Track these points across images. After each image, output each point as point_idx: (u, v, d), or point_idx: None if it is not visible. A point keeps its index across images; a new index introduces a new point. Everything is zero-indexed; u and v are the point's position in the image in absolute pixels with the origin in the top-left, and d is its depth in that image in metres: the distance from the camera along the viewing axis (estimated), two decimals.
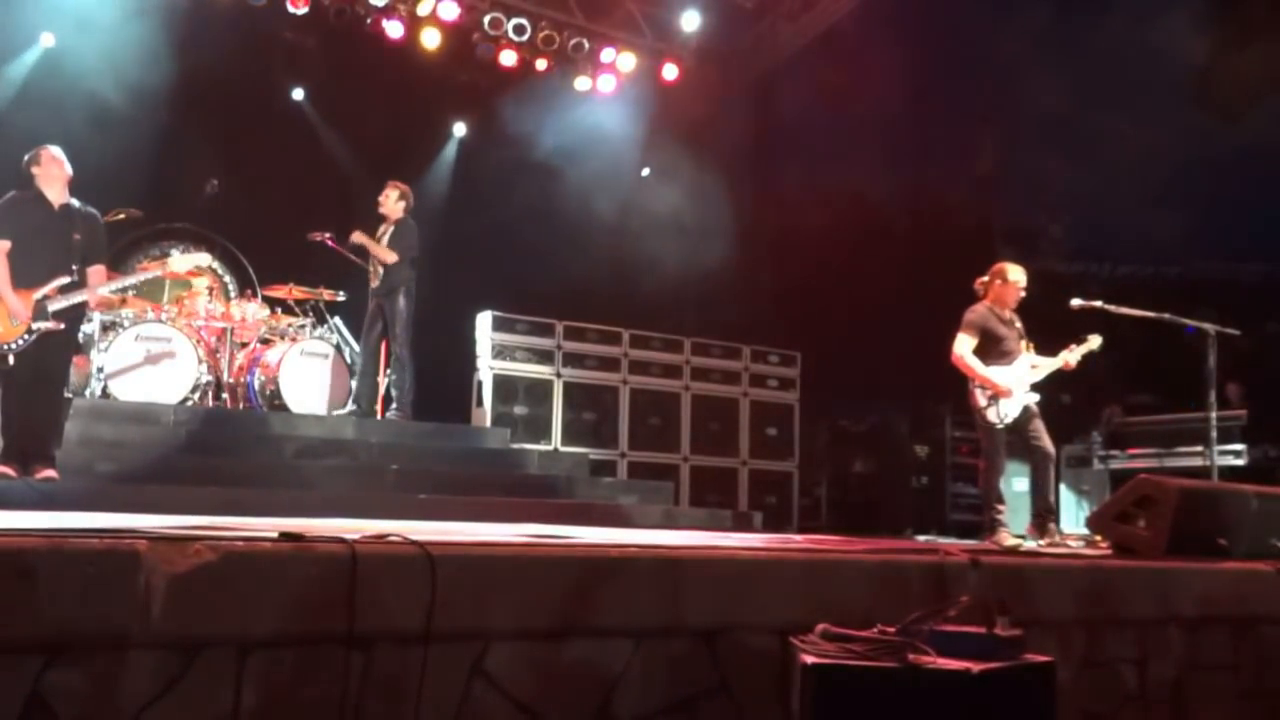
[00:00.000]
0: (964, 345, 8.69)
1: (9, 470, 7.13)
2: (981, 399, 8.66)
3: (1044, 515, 8.64)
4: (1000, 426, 8.61)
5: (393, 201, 10.60)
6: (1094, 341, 8.84)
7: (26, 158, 7.55)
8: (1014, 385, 8.58)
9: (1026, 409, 8.65)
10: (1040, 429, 8.67)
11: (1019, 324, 8.87)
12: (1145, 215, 10.96)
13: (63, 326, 7.39)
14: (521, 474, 10.17)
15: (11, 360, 7.26)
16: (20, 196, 7.48)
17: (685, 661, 3.73)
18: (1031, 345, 8.84)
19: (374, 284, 10.43)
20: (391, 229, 10.49)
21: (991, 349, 8.68)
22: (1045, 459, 8.70)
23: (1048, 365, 8.80)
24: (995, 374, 8.60)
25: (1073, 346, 8.85)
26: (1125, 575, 4.95)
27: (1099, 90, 10.67)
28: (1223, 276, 12.54)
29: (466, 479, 9.27)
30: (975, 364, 8.63)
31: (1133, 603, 4.85)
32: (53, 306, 7.34)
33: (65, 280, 7.42)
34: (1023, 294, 8.87)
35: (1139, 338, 9.90)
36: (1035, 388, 8.72)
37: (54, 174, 7.52)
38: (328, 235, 10.51)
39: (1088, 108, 10.80)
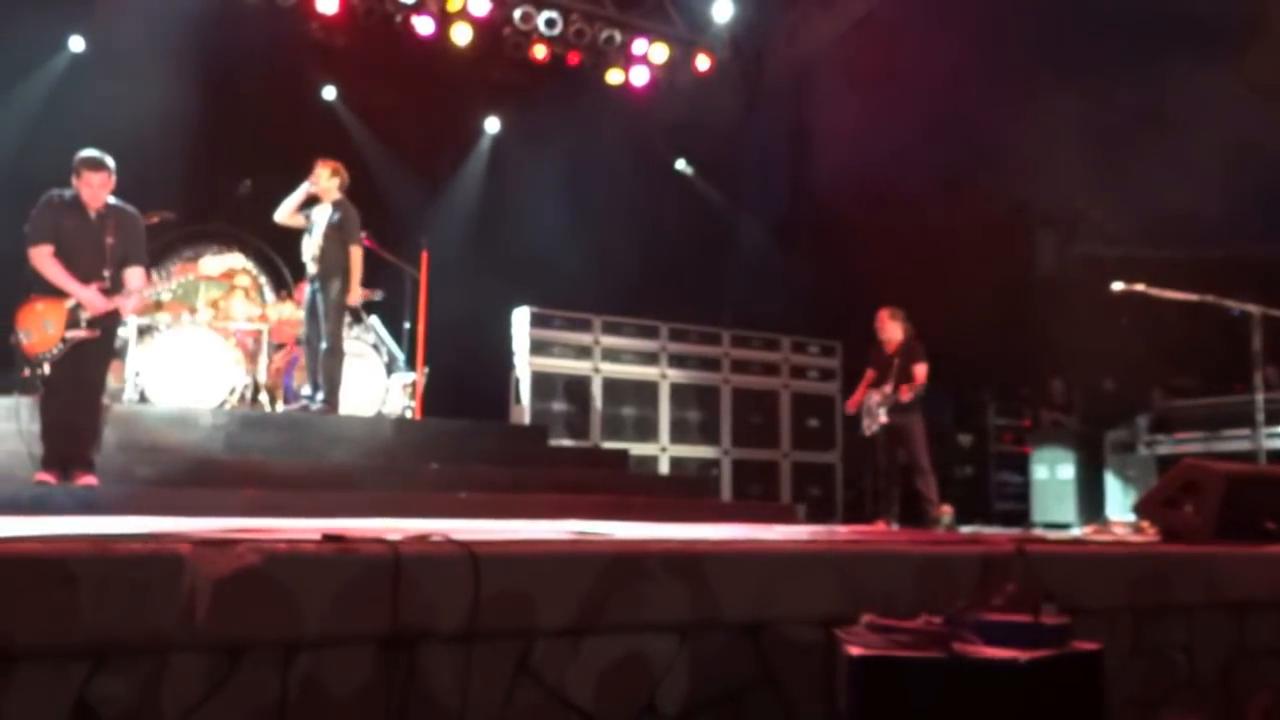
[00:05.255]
0: (862, 382, 11.05)
1: (49, 478, 7.17)
2: (861, 414, 10.94)
3: (927, 509, 10.59)
4: (867, 434, 10.84)
5: (325, 180, 9.84)
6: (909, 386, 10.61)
7: (75, 160, 7.47)
8: (866, 409, 10.80)
9: (890, 429, 10.62)
10: (906, 453, 10.69)
11: (898, 360, 10.67)
12: (1190, 197, 10.83)
13: (97, 334, 7.41)
14: (561, 471, 10.15)
15: (48, 369, 7.27)
16: (56, 200, 7.44)
17: (730, 655, 3.71)
18: (894, 378, 10.58)
19: (312, 269, 9.75)
20: (331, 212, 9.79)
21: (879, 379, 10.84)
22: (913, 473, 10.67)
23: (894, 393, 10.62)
24: (868, 397, 10.82)
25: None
26: (1173, 561, 4.90)
27: (1143, 69, 10.55)
28: (1268, 257, 12.38)
29: (506, 477, 9.26)
30: (852, 398, 11.11)
31: (1181, 589, 4.79)
32: (86, 314, 7.35)
33: (98, 287, 7.42)
34: (883, 332, 10.89)
35: (1182, 321, 9.81)
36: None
37: (87, 193, 7.48)
38: (363, 233, 10.42)
39: (1131, 87, 10.68)
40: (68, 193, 7.49)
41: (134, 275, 7.67)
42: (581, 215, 13.52)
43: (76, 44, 12.39)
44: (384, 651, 3.10)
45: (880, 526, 10.43)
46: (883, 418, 10.61)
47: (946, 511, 10.63)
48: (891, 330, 10.88)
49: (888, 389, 10.62)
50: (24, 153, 10.68)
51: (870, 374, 10.96)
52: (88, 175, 7.43)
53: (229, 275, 11.06)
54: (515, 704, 3.30)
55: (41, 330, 7.25)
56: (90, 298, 7.33)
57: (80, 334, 7.31)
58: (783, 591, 3.81)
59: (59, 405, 7.31)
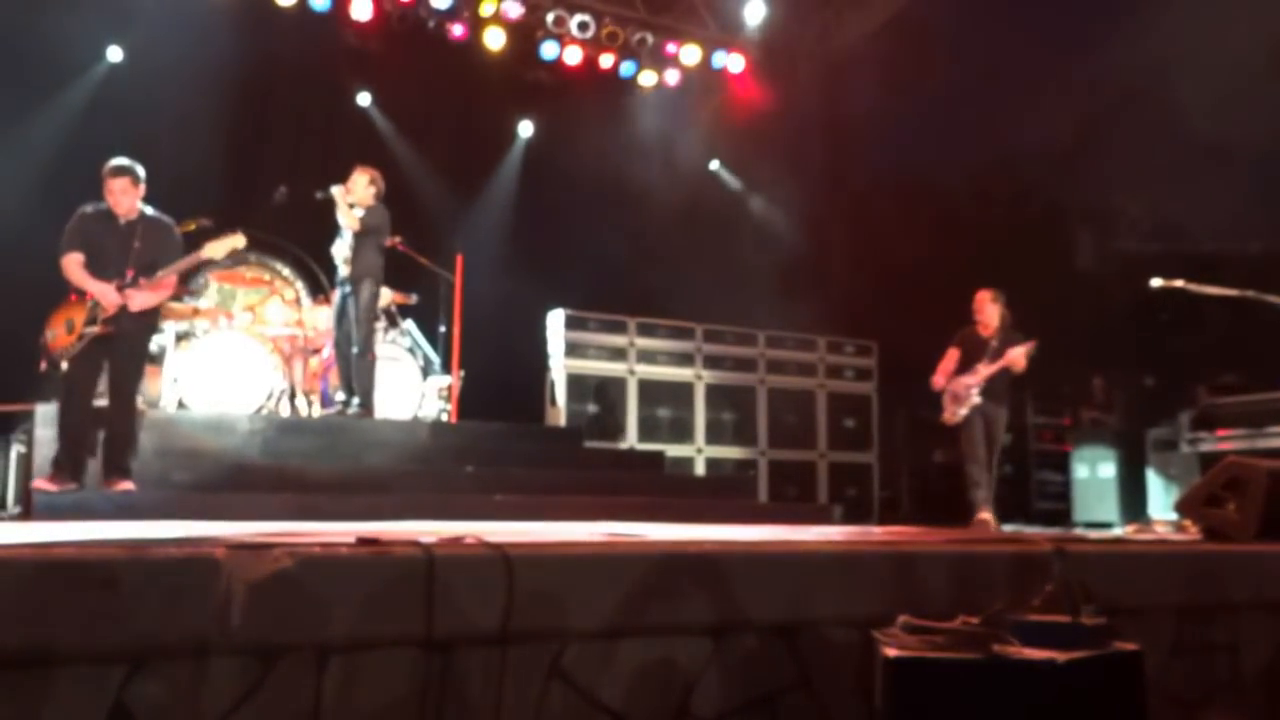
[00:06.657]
0: (946, 359, 10.64)
1: (48, 485, 7.16)
2: (944, 399, 10.60)
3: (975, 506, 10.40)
4: (952, 421, 10.51)
5: (361, 188, 9.87)
6: (1026, 347, 10.35)
7: (104, 170, 7.61)
8: (958, 391, 10.44)
9: (978, 413, 10.39)
10: (991, 436, 10.50)
11: (996, 342, 10.44)
12: (1229, 192, 10.72)
13: (112, 330, 7.46)
14: (596, 472, 10.14)
15: (65, 365, 7.36)
16: (89, 213, 7.63)
17: (765, 657, 3.69)
18: (991, 361, 10.40)
19: (343, 272, 9.80)
20: (362, 215, 9.80)
21: (965, 362, 10.55)
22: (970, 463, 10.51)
23: (996, 367, 10.41)
24: (953, 381, 10.50)
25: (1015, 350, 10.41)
26: (1216, 560, 4.85)
27: (1182, 62, 10.44)
28: None
29: (541, 479, 9.26)
30: (940, 371, 10.61)
31: (1224, 588, 4.74)
32: (102, 313, 7.43)
33: (116, 285, 7.48)
34: (981, 314, 10.59)
35: (1223, 317, 9.70)
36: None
37: (112, 199, 7.58)
38: (398, 239, 10.45)
39: (1170, 81, 10.57)
40: (102, 206, 7.64)
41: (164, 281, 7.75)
42: (615, 217, 13.51)
43: (115, 54, 12.47)
44: (418, 654, 3.10)
45: (982, 517, 10.30)
46: (976, 399, 10.36)
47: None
48: (990, 313, 10.60)
49: (982, 369, 10.36)
50: (63, 161, 10.75)
51: (954, 354, 10.61)
52: (110, 181, 7.60)
53: (266, 281, 11.11)
54: (548, 707, 3.30)
55: (64, 328, 7.39)
56: (100, 289, 7.42)
57: (95, 330, 7.38)
58: (818, 593, 3.79)
59: (75, 404, 7.37)
